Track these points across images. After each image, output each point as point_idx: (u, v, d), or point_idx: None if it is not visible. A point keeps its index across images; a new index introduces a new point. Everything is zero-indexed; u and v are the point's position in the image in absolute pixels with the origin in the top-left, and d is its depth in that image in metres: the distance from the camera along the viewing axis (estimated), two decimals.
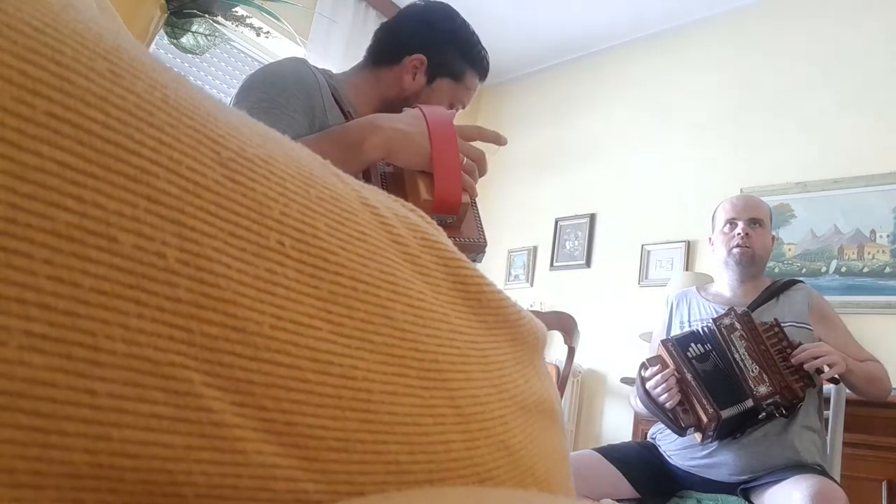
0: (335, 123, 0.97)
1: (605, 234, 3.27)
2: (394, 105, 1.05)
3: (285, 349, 0.19)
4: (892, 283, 2.30)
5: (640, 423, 2.42)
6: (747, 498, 1.40)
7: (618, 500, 1.49)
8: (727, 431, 1.42)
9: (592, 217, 3.33)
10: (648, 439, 1.67)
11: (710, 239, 1.70)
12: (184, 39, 1.27)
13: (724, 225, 1.62)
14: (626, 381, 2.59)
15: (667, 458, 1.56)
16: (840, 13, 2.74)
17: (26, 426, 0.14)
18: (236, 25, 1.35)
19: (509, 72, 4.02)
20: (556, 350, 2.70)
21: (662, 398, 1.42)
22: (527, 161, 3.74)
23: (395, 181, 0.85)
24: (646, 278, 3.01)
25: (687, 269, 2.82)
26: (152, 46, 1.26)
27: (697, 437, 1.44)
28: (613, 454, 1.52)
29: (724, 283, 1.65)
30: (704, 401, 1.39)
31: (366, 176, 0.87)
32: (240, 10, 1.31)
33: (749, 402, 1.39)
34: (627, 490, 1.48)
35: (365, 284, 0.22)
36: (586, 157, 3.48)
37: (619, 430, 2.84)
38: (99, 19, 0.19)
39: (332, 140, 0.82)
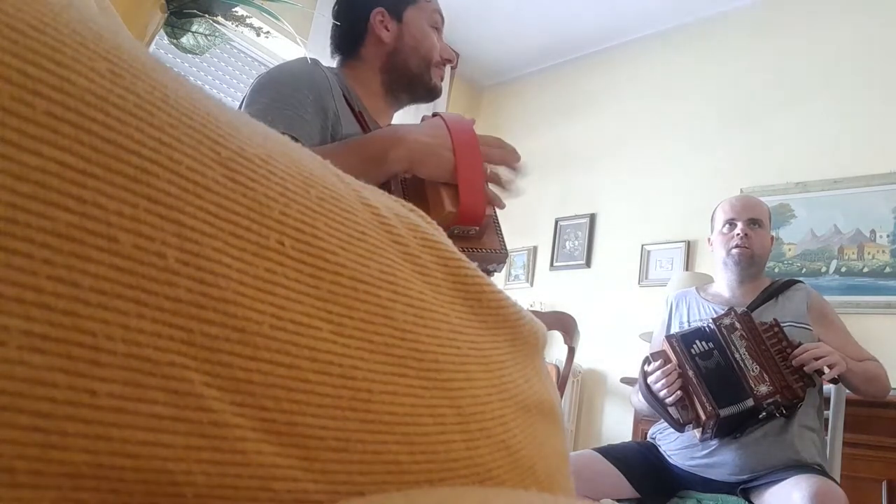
0: (347, 125, 0.96)
1: (605, 234, 3.27)
2: (396, 67, 1.06)
3: (285, 349, 0.19)
4: (892, 283, 2.30)
5: (640, 423, 2.42)
6: (747, 498, 1.40)
7: (618, 500, 1.49)
8: (726, 430, 1.42)
9: (592, 217, 3.33)
10: (648, 439, 1.67)
11: (709, 239, 1.70)
12: (184, 39, 1.27)
13: (724, 225, 1.62)
14: (626, 381, 2.59)
15: (667, 457, 1.56)
16: (840, 13, 2.74)
17: (26, 426, 0.14)
18: (236, 25, 1.35)
19: (509, 72, 4.02)
20: (556, 350, 2.70)
21: (662, 393, 1.43)
22: (527, 160, 3.73)
23: (416, 188, 0.84)
24: (646, 278, 3.01)
25: (687, 269, 2.82)
26: (152, 46, 1.26)
27: (697, 433, 1.44)
28: (613, 454, 1.52)
29: (724, 283, 1.65)
30: (704, 398, 1.39)
31: (384, 183, 0.86)
32: (240, 10, 1.31)
33: (750, 402, 1.39)
34: (627, 490, 1.48)
35: (365, 284, 0.22)
36: (586, 157, 3.47)
37: (619, 430, 2.84)
38: (99, 19, 0.19)
39: (354, 151, 0.81)
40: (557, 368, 2.55)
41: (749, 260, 1.57)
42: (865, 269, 2.38)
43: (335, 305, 0.21)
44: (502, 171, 0.87)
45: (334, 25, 1.11)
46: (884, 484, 1.84)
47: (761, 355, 1.41)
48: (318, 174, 0.23)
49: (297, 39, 2.84)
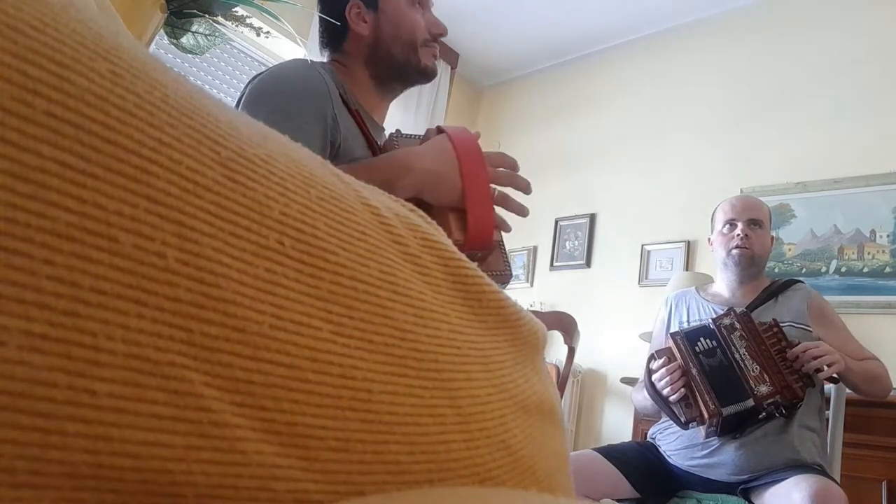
0: (345, 127, 0.95)
1: (605, 234, 3.27)
2: (380, 60, 1.03)
3: (285, 349, 0.19)
4: (892, 283, 2.30)
5: (640, 423, 2.42)
6: (747, 498, 1.40)
7: (618, 500, 1.49)
8: (729, 428, 1.42)
9: (592, 217, 3.34)
10: (648, 439, 1.67)
11: (709, 239, 1.70)
12: (184, 39, 1.27)
13: (724, 226, 1.62)
14: (626, 381, 2.59)
15: (667, 458, 1.56)
16: (840, 13, 2.74)
17: (26, 426, 0.14)
18: (236, 25, 1.35)
19: (509, 72, 4.02)
20: (556, 350, 2.70)
21: (666, 391, 1.43)
22: (527, 161, 3.72)
23: (419, 204, 0.84)
24: (646, 278, 3.01)
25: (687, 269, 2.82)
26: (152, 46, 1.26)
27: (701, 430, 1.44)
28: (613, 454, 1.52)
29: (724, 283, 1.65)
30: (707, 397, 1.40)
31: None
32: (240, 10, 1.31)
33: (750, 402, 1.39)
34: (627, 490, 1.48)
35: (365, 284, 0.22)
36: (586, 157, 3.48)
37: (619, 430, 2.84)
38: (99, 19, 0.19)
39: (361, 177, 0.80)
40: (557, 368, 2.55)
41: (749, 260, 1.57)
42: (865, 269, 2.38)
43: (335, 305, 0.21)
44: (510, 193, 0.86)
45: (320, 22, 1.08)
46: (884, 484, 1.84)
47: (761, 355, 1.41)
48: (318, 174, 0.23)
49: (297, 39, 2.84)
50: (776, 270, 2.56)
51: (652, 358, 1.54)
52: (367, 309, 0.22)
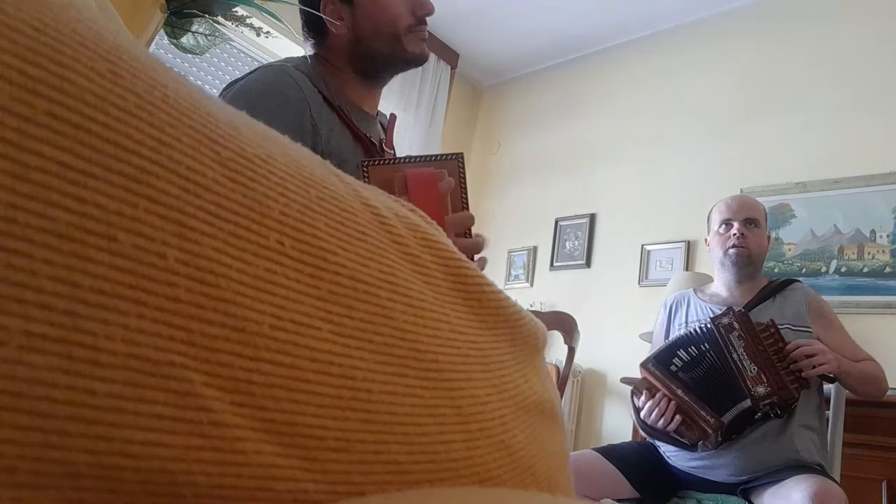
0: (328, 128, 0.93)
1: (605, 234, 3.27)
2: (362, 55, 0.98)
3: (285, 349, 0.19)
4: (892, 283, 2.30)
5: None
6: (747, 498, 1.40)
7: (618, 500, 1.49)
8: (732, 433, 1.42)
9: (592, 217, 3.33)
10: (648, 439, 1.67)
11: (706, 241, 1.71)
12: (184, 39, 1.27)
13: (720, 226, 1.62)
14: (626, 381, 2.58)
15: (666, 458, 1.56)
16: (840, 13, 2.74)
17: (26, 426, 0.14)
18: (236, 25, 1.35)
19: (509, 72, 4.02)
20: (556, 350, 2.70)
21: (660, 424, 1.42)
22: (527, 161, 3.74)
23: None
24: (646, 278, 3.01)
25: (687, 269, 2.82)
26: (152, 46, 1.26)
27: (709, 445, 1.44)
28: (613, 454, 1.52)
29: (722, 283, 1.65)
30: (703, 412, 1.39)
31: None
32: (240, 10, 1.32)
33: (747, 402, 1.39)
34: (627, 490, 1.48)
35: (365, 284, 0.22)
36: (586, 157, 3.48)
37: (619, 430, 2.84)
38: (99, 19, 0.19)
39: None
40: (557, 368, 2.55)
41: (746, 259, 1.57)
42: (865, 269, 2.38)
43: (335, 305, 0.21)
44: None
45: (301, 14, 1.03)
46: (884, 484, 1.84)
47: (758, 355, 1.41)
48: (318, 174, 0.23)
49: (297, 39, 2.84)
50: (776, 270, 2.56)
51: (634, 393, 1.53)
52: (367, 309, 0.22)
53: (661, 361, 1.47)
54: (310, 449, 0.19)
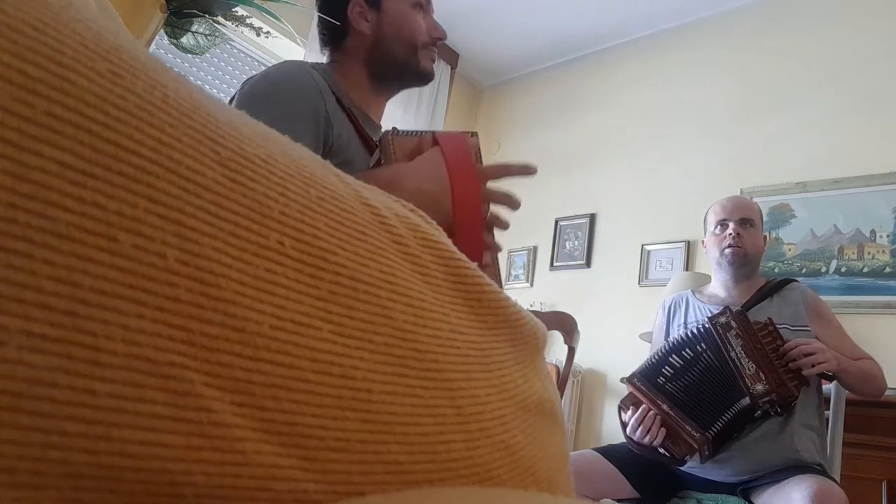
0: (339, 126, 0.95)
1: (605, 234, 3.27)
2: (380, 59, 1.03)
3: (285, 349, 0.19)
4: (892, 283, 2.30)
5: None
6: (747, 498, 1.40)
7: (618, 500, 1.49)
8: (722, 441, 1.42)
9: (592, 217, 3.34)
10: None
11: (703, 242, 1.71)
12: (184, 39, 1.27)
13: (716, 226, 1.63)
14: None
15: None
16: (840, 13, 2.74)
17: (26, 426, 0.14)
18: (236, 25, 1.35)
19: (509, 72, 4.02)
20: (556, 350, 2.70)
21: (646, 440, 1.42)
22: (527, 160, 3.74)
23: None
24: (646, 278, 3.01)
25: (687, 269, 2.82)
26: (152, 46, 1.26)
27: (696, 459, 1.43)
28: (613, 454, 1.52)
29: (719, 283, 1.66)
30: (688, 427, 1.39)
31: None
32: (240, 10, 1.31)
33: (746, 401, 1.39)
34: (627, 490, 1.48)
35: (365, 284, 0.22)
36: (586, 157, 3.48)
37: (619, 431, 2.83)
38: (99, 19, 0.19)
39: None
40: (557, 368, 2.55)
41: (742, 259, 1.57)
42: (865, 269, 2.38)
43: (335, 305, 0.21)
44: (502, 212, 0.83)
45: (319, 20, 1.08)
46: (884, 484, 1.84)
47: (757, 354, 1.41)
48: (318, 174, 0.23)
49: (297, 39, 2.84)
50: (776, 270, 2.56)
51: (621, 409, 1.53)
52: (367, 309, 0.22)
53: (646, 376, 1.47)
54: (310, 449, 0.19)
